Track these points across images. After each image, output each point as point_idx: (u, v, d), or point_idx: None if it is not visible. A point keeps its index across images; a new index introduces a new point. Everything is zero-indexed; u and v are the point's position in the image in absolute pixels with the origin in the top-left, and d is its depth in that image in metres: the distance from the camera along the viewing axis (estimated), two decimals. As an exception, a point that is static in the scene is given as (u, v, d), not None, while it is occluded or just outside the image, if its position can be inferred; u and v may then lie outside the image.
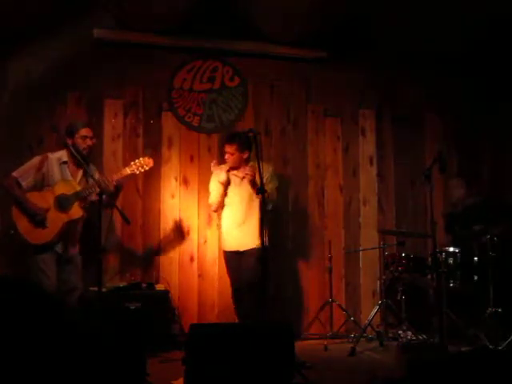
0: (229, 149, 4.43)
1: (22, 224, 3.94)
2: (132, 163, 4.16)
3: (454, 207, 5.03)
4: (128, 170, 4.13)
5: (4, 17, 4.42)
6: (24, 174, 4.04)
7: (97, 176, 4.08)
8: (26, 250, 4.00)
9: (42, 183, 4.05)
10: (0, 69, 4.69)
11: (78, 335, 2.38)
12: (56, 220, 3.95)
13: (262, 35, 5.08)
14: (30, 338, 2.13)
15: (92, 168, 4.17)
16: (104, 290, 4.27)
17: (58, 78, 4.77)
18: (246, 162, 4.44)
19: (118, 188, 4.15)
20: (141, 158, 4.19)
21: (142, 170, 4.17)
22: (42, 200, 3.97)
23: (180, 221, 5.02)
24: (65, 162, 4.11)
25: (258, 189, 3.87)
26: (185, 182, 5.07)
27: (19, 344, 2.11)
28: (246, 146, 4.41)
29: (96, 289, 3.74)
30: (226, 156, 4.47)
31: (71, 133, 4.08)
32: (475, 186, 5.05)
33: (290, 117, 5.37)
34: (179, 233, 5.01)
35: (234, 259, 4.48)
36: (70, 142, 4.04)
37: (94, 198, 4.03)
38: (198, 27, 5.03)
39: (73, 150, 3.99)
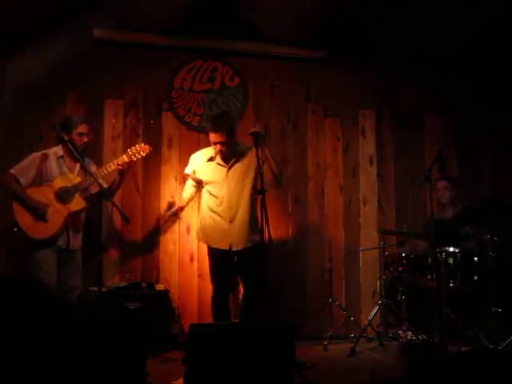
0: (220, 138, 4.07)
1: (24, 219, 3.94)
2: (128, 150, 4.19)
3: (443, 211, 5.00)
4: (125, 157, 4.15)
5: (4, 17, 4.42)
6: (23, 170, 4.04)
7: (93, 169, 4.10)
8: (26, 248, 4.00)
9: (40, 179, 4.06)
10: (0, 69, 4.69)
11: (77, 335, 2.37)
12: (59, 213, 3.96)
13: (261, 35, 5.08)
14: (30, 338, 2.13)
15: (88, 161, 4.19)
16: (104, 289, 4.27)
17: (58, 77, 4.76)
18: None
19: (121, 173, 4.19)
20: (137, 145, 4.23)
21: (139, 157, 4.21)
22: (41, 195, 3.97)
23: (180, 220, 5.02)
24: (61, 157, 4.12)
25: (258, 191, 3.81)
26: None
27: (18, 344, 2.11)
28: (232, 127, 4.16)
29: (96, 289, 3.75)
30: (218, 147, 4.11)
31: (68, 129, 4.08)
32: (460, 186, 5.03)
33: (290, 117, 5.36)
34: (179, 232, 5.00)
35: (222, 258, 4.23)
36: (66, 137, 4.02)
37: (94, 190, 4.04)
38: (198, 27, 5.03)
39: (69, 146, 3.97)
